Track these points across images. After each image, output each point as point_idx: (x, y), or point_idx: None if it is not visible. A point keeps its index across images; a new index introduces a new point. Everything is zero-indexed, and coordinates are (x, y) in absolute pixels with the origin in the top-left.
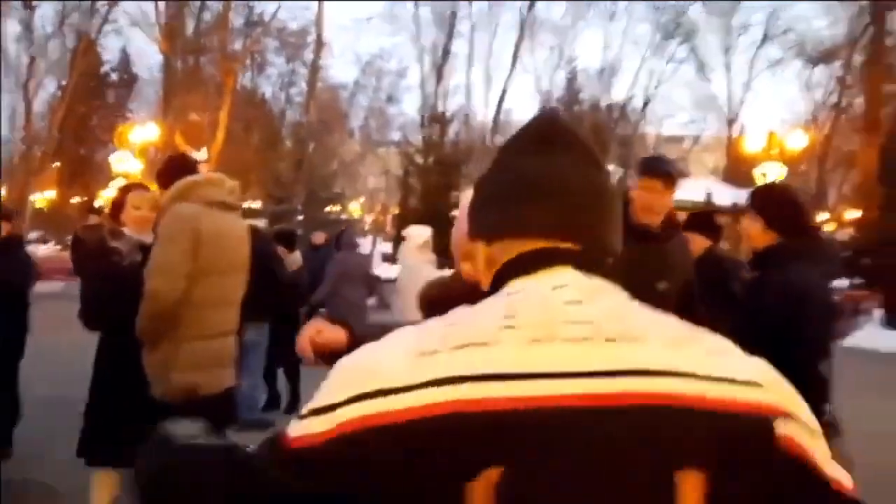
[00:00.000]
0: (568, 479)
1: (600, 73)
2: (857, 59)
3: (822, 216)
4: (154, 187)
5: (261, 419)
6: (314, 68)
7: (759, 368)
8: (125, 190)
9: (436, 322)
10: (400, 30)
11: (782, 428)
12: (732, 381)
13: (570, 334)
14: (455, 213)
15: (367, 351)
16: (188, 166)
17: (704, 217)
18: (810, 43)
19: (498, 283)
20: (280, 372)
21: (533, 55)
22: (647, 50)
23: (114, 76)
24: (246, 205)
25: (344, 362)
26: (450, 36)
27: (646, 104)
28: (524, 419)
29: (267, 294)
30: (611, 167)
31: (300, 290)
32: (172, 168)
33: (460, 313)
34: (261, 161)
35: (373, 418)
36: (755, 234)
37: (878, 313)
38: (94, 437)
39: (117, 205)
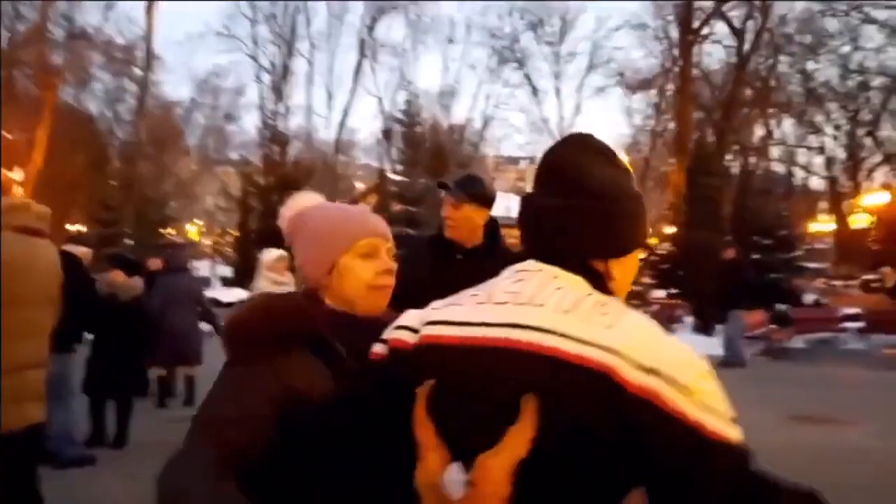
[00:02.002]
0: (462, 391)
1: (440, 95)
2: (671, 87)
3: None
4: None
5: (83, 455)
6: (143, 84)
7: (632, 342)
8: None
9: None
10: (237, 47)
11: (640, 380)
12: (592, 343)
13: (498, 299)
14: None
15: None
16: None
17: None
18: (629, 72)
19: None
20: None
21: (374, 76)
22: (484, 74)
23: None
24: (72, 228)
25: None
26: (289, 55)
27: (484, 125)
28: (453, 350)
29: (80, 323)
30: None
31: (143, 315)
32: None
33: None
34: (87, 182)
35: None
36: None
37: (688, 320)
38: None
39: None
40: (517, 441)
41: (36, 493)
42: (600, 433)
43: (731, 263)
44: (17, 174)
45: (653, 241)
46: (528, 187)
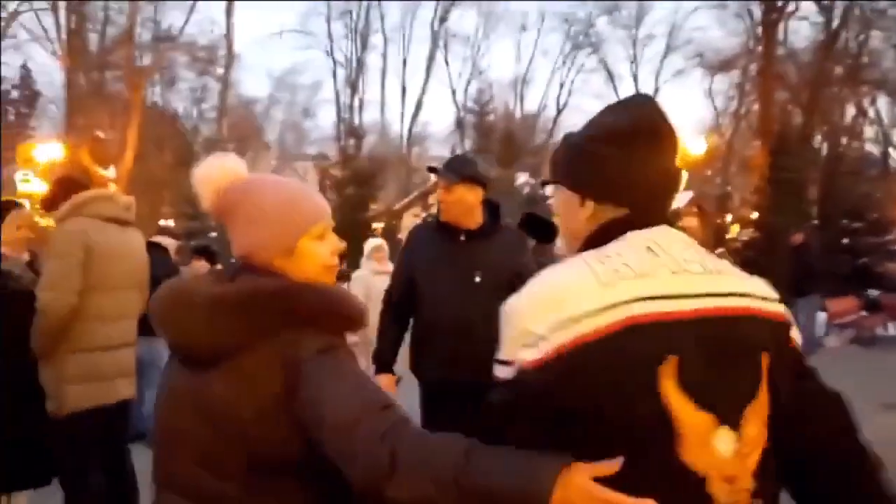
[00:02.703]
0: (712, 360)
1: (513, 83)
2: (754, 68)
3: (727, 217)
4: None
5: None
6: (225, 82)
7: (765, 286)
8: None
9: (589, 259)
10: (313, 44)
11: (787, 318)
12: (768, 298)
13: (692, 269)
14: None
15: (546, 285)
16: (78, 185)
17: (537, 220)
18: (710, 53)
19: (605, 234)
20: None
21: (447, 67)
22: (557, 60)
23: (14, 93)
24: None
25: (535, 294)
26: (363, 49)
27: (558, 113)
28: (681, 324)
29: None
30: (522, 177)
31: None
32: (59, 189)
33: (601, 253)
34: (174, 178)
35: (570, 343)
36: None
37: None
38: None
39: None
40: (764, 395)
41: (127, 464)
42: (792, 373)
43: (799, 248)
44: (110, 172)
45: (734, 227)
46: None
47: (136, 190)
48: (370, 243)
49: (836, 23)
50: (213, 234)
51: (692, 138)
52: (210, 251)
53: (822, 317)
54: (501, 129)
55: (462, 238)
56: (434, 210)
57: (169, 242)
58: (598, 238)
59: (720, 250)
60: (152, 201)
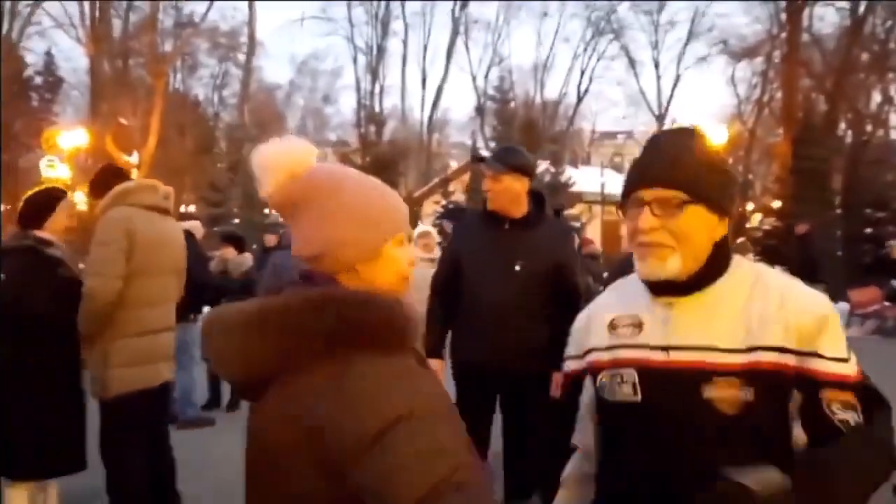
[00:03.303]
0: None
1: (533, 70)
2: (778, 54)
3: (748, 206)
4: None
5: (200, 417)
6: (247, 69)
7: None
8: (47, 195)
9: None
10: (333, 30)
11: None
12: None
13: None
14: None
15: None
16: (121, 174)
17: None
18: (733, 40)
19: (724, 256)
20: None
21: (467, 54)
22: (578, 47)
23: (38, 79)
24: (182, 209)
25: (578, 325)
26: (384, 35)
27: (579, 100)
28: None
29: (192, 294)
30: (543, 164)
31: (252, 291)
32: (105, 177)
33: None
34: (195, 164)
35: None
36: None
37: None
38: (15, 451)
39: (42, 211)
40: None
41: (167, 445)
42: None
43: (803, 238)
44: (133, 158)
45: (755, 215)
46: (626, 162)
47: (158, 176)
48: (417, 229)
49: (862, 8)
50: (237, 221)
51: (714, 126)
52: (237, 237)
53: (842, 307)
54: (522, 115)
55: (506, 227)
56: (454, 197)
57: (196, 227)
58: (724, 258)
59: (741, 240)
60: (174, 187)
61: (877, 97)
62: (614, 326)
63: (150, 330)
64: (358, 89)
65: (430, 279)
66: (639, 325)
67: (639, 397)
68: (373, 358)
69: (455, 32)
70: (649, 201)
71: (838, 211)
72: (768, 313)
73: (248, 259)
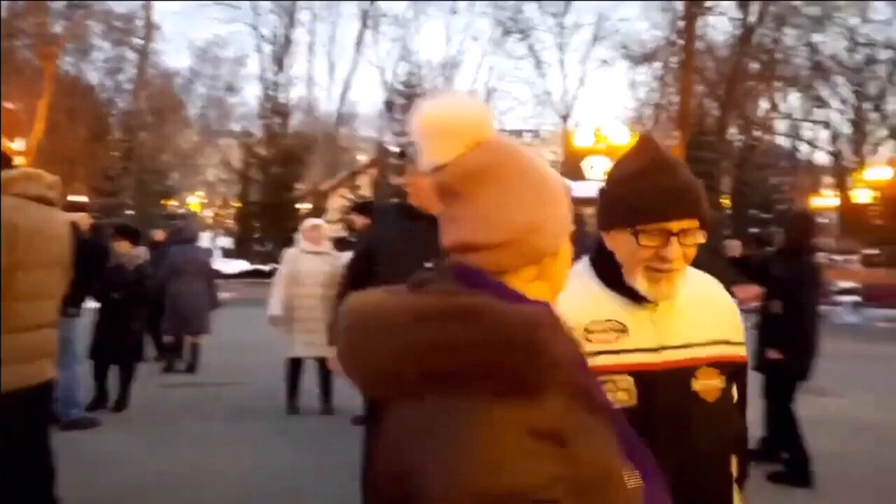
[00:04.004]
0: None
1: (443, 66)
2: (675, 61)
3: None
4: None
5: (85, 418)
6: (144, 54)
7: None
8: None
9: None
10: (237, 17)
11: None
12: None
13: None
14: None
15: None
16: (4, 161)
17: None
18: (634, 45)
19: None
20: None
21: (376, 47)
22: (487, 45)
23: None
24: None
25: None
26: (290, 25)
27: (487, 98)
28: None
29: (83, 288)
30: None
31: (144, 286)
32: None
33: None
34: (87, 152)
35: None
36: None
37: None
38: None
39: None
40: None
41: (48, 448)
42: None
43: None
44: (18, 144)
45: None
46: None
47: (47, 164)
48: (307, 222)
49: (752, 19)
50: (130, 212)
51: (617, 128)
52: (132, 230)
53: None
54: None
55: (424, 223)
56: (362, 191)
57: (81, 219)
58: None
59: None
60: (64, 176)
61: (764, 104)
62: (590, 332)
63: (31, 325)
64: (263, 79)
65: (320, 273)
66: (623, 330)
67: (635, 401)
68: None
69: (363, 25)
70: (677, 232)
71: (728, 212)
72: (712, 309)
73: (142, 252)
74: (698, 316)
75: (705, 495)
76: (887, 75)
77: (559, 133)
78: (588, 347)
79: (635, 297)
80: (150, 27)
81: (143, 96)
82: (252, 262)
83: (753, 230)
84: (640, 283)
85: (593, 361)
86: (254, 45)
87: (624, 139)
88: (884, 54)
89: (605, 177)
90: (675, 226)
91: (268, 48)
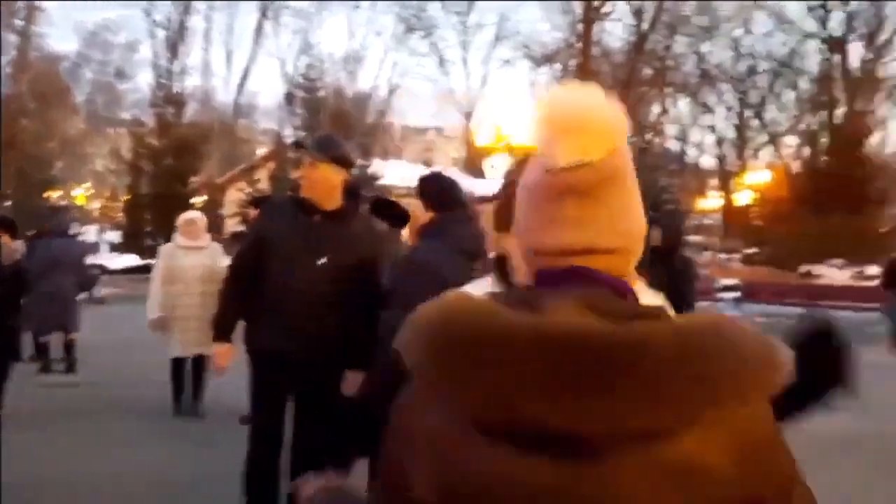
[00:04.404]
0: None
1: (345, 61)
2: (573, 63)
3: None
4: None
5: None
6: (25, 36)
7: None
8: None
9: None
10: (129, 2)
11: None
12: None
13: None
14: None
15: None
16: None
17: (386, 203)
18: (535, 46)
19: None
20: None
21: (277, 38)
22: (390, 42)
23: None
24: None
25: None
26: (185, 11)
27: (390, 94)
28: None
29: None
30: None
31: (22, 280)
32: None
33: None
34: None
35: None
36: (419, 214)
37: None
38: None
39: None
40: None
41: None
42: None
43: None
44: None
45: None
46: (436, 158)
47: None
48: (183, 216)
49: (645, 26)
50: (7, 204)
51: (516, 127)
52: (9, 222)
53: None
54: (332, 106)
55: (317, 218)
56: (260, 185)
57: None
58: None
59: None
60: None
61: (656, 109)
62: None
63: None
64: (156, 66)
65: (199, 268)
66: None
67: None
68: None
69: (263, 15)
70: None
71: None
72: None
73: (19, 246)
74: None
75: None
76: (768, 85)
77: (462, 131)
78: None
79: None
80: (33, 8)
81: (25, 80)
82: (142, 257)
83: None
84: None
85: None
86: (147, 30)
87: (524, 139)
88: (765, 65)
89: (505, 178)
90: None
91: (161, 35)
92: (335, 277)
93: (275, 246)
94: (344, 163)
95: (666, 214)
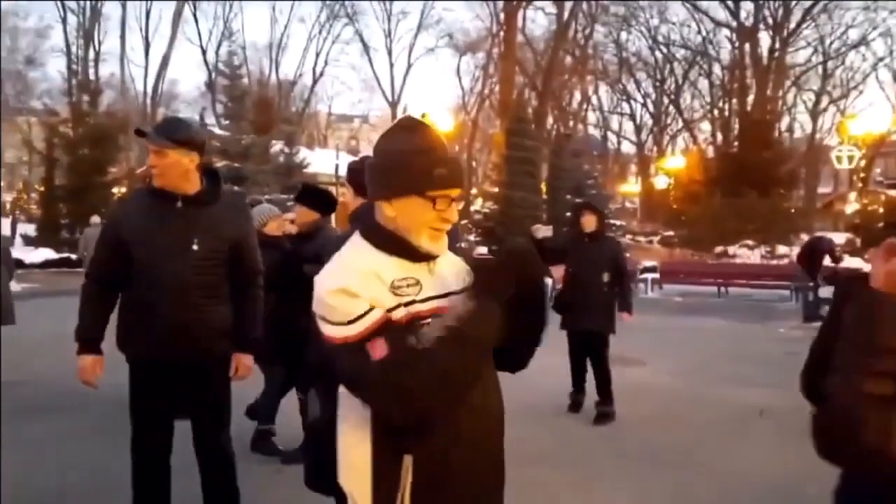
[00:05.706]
0: None
1: (268, 48)
2: (497, 52)
3: (472, 191)
4: None
5: None
6: None
7: None
8: None
9: None
10: None
11: None
12: None
13: None
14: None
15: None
16: None
17: (313, 190)
18: (458, 34)
19: None
20: None
21: (196, 25)
22: (313, 28)
23: None
24: None
25: (350, 287)
26: None
27: (315, 82)
28: None
29: None
30: (278, 145)
31: None
32: None
33: None
34: None
35: None
36: (349, 200)
37: None
38: None
39: None
40: None
41: None
42: None
43: None
44: None
45: (478, 200)
46: (362, 146)
47: None
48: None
49: (566, 14)
50: None
51: (441, 115)
52: None
53: (547, 281)
54: (255, 94)
55: (179, 204)
56: None
57: None
58: None
59: (464, 222)
60: None
61: (578, 96)
62: (397, 287)
63: None
64: (68, 54)
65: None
66: (418, 283)
67: None
68: None
69: (182, 0)
70: (455, 198)
71: (545, 196)
72: (451, 262)
73: None
74: (450, 269)
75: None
76: (683, 73)
77: (388, 119)
78: (401, 300)
79: (415, 256)
80: None
81: None
82: (58, 251)
83: (567, 214)
84: (424, 242)
85: (409, 310)
86: (58, 15)
87: (449, 126)
88: (680, 53)
89: (378, 150)
90: (455, 193)
91: (74, 21)
92: (211, 262)
93: (138, 244)
94: (192, 145)
95: (598, 200)
